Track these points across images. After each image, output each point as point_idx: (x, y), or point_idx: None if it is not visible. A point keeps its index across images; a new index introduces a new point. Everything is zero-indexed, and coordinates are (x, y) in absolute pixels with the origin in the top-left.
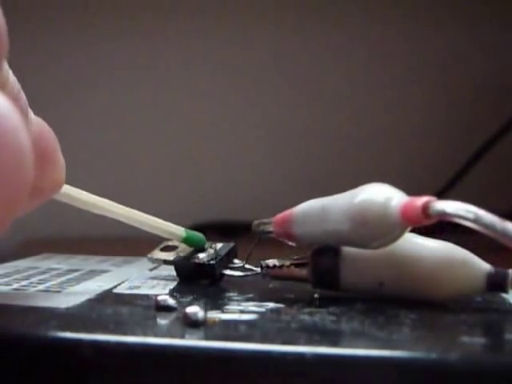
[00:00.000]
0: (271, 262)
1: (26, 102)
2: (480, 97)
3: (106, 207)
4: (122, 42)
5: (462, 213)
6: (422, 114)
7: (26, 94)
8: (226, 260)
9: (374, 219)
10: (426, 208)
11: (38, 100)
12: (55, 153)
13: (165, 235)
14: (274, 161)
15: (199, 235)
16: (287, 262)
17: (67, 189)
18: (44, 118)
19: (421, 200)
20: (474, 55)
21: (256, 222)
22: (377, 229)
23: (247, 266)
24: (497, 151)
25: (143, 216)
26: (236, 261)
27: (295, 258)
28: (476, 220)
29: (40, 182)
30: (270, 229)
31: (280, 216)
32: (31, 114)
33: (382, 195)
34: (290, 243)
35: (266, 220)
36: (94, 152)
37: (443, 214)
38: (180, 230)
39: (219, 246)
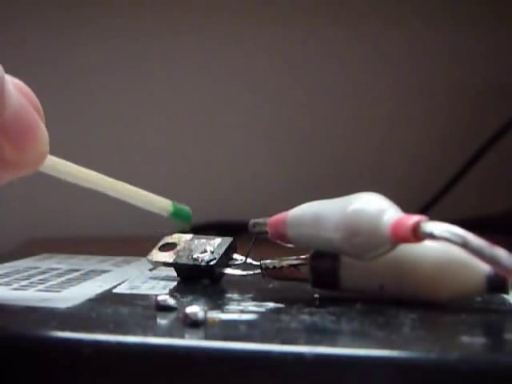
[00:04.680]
0: (271, 262)
1: (2, 75)
2: (480, 97)
3: (93, 179)
4: (127, 41)
5: (450, 236)
6: (422, 114)
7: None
8: (225, 257)
9: (365, 231)
10: (415, 229)
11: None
12: (36, 125)
13: (152, 209)
14: (274, 161)
15: (186, 210)
16: (287, 263)
17: (52, 160)
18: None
19: (412, 219)
20: (474, 56)
21: (251, 222)
22: (367, 241)
23: (249, 260)
24: (496, 151)
25: (131, 189)
26: (236, 256)
27: (294, 258)
28: (464, 244)
29: (21, 156)
30: (265, 229)
31: (274, 218)
32: (8, 86)
33: (375, 207)
34: (285, 244)
35: (261, 220)
36: (94, 151)
37: (432, 236)
38: (168, 205)
39: (217, 241)
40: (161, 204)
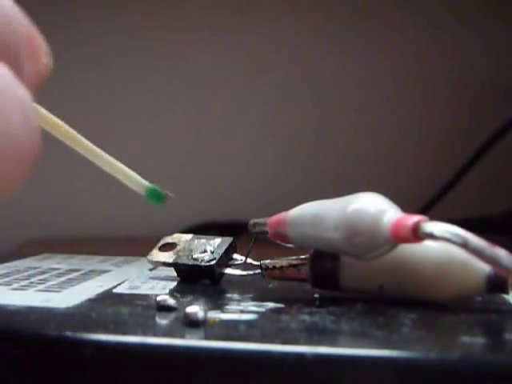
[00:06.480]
0: (271, 262)
1: None
2: (480, 97)
3: (78, 139)
4: (132, 39)
5: (450, 236)
6: (422, 114)
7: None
8: (225, 257)
9: (365, 231)
10: (415, 229)
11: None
12: (35, 37)
13: (126, 183)
14: (274, 161)
15: (161, 195)
16: (287, 263)
17: (46, 114)
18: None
19: (412, 219)
20: (474, 55)
21: (251, 222)
22: (367, 241)
23: (249, 260)
24: (496, 152)
25: (116, 163)
26: (236, 256)
27: (294, 258)
28: (464, 244)
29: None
30: (265, 229)
31: (274, 218)
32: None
33: (375, 207)
34: (285, 244)
35: (261, 220)
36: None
37: (432, 236)
38: (143, 186)
39: (217, 241)
40: (137, 182)
